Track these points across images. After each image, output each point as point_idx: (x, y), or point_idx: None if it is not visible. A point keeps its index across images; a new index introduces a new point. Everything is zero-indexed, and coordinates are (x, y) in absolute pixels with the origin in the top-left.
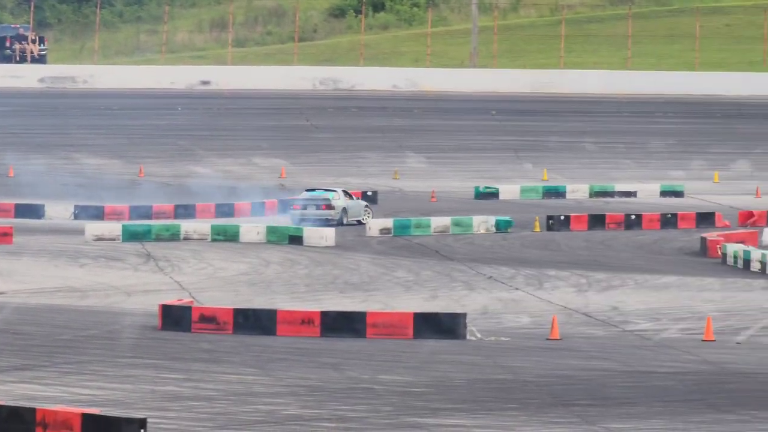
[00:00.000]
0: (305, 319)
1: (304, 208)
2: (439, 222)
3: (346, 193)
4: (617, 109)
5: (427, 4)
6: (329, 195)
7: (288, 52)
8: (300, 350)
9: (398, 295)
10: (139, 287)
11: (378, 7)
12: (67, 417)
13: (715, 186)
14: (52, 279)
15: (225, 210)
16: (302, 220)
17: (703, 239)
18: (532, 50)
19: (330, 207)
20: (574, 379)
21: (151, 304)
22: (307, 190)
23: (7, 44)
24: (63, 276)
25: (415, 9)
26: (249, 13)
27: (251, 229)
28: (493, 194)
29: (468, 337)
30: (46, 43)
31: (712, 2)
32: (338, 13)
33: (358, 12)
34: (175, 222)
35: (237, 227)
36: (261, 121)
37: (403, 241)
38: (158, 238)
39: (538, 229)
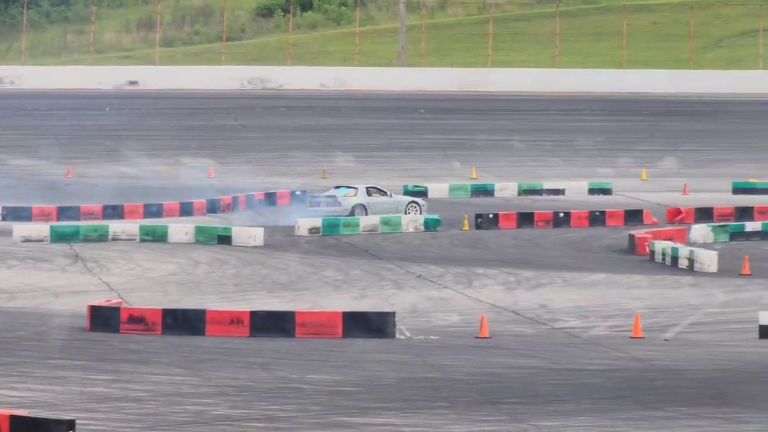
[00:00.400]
0: (234, 319)
1: (318, 205)
2: (367, 221)
3: (377, 189)
4: (545, 107)
5: (355, 3)
6: (341, 192)
7: (216, 52)
8: (229, 350)
9: (327, 294)
10: (67, 288)
11: (306, 6)
12: None
13: (643, 183)
14: None
15: (154, 210)
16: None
17: (631, 236)
18: (459, 49)
19: (336, 204)
20: (503, 377)
21: (80, 305)
22: (336, 187)
23: None
24: None
25: (343, 8)
26: (176, 13)
27: (180, 229)
28: (422, 193)
29: (397, 335)
30: None
31: (639, 0)
32: (266, 12)
33: (286, 11)
34: (104, 223)
35: (165, 227)
36: (189, 121)
37: (332, 240)
38: (86, 239)
39: (466, 228)
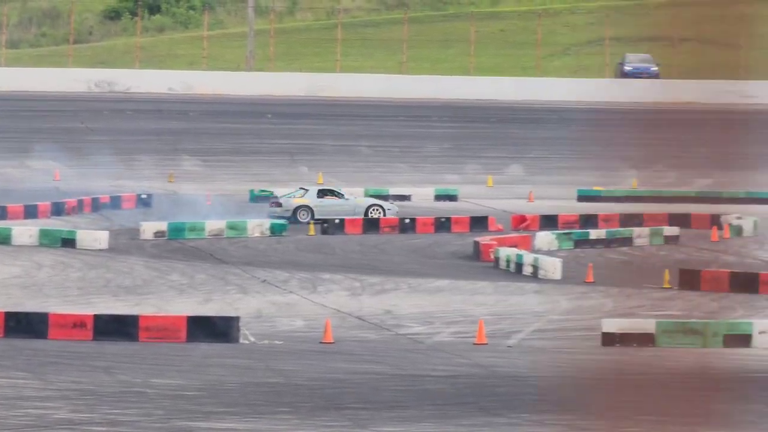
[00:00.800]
0: (77, 323)
1: (270, 205)
2: (213, 225)
3: (332, 191)
4: (393, 113)
5: (204, 7)
6: (293, 193)
7: (63, 54)
8: (72, 354)
9: (172, 298)
10: None
11: (154, 10)
12: None
13: (489, 190)
14: None
15: None
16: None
17: (476, 243)
18: (308, 54)
19: (278, 205)
20: (346, 382)
21: None
22: (300, 188)
23: None
24: None
25: (192, 12)
26: (23, 14)
27: (23, 231)
28: (269, 198)
29: (241, 340)
30: None
31: (488, 8)
32: (114, 15)
33: (133, 14)
34: None
35: (8, 230)
36: (35, 123)
37: (177, 244)
38: None
39: (312, 233)
